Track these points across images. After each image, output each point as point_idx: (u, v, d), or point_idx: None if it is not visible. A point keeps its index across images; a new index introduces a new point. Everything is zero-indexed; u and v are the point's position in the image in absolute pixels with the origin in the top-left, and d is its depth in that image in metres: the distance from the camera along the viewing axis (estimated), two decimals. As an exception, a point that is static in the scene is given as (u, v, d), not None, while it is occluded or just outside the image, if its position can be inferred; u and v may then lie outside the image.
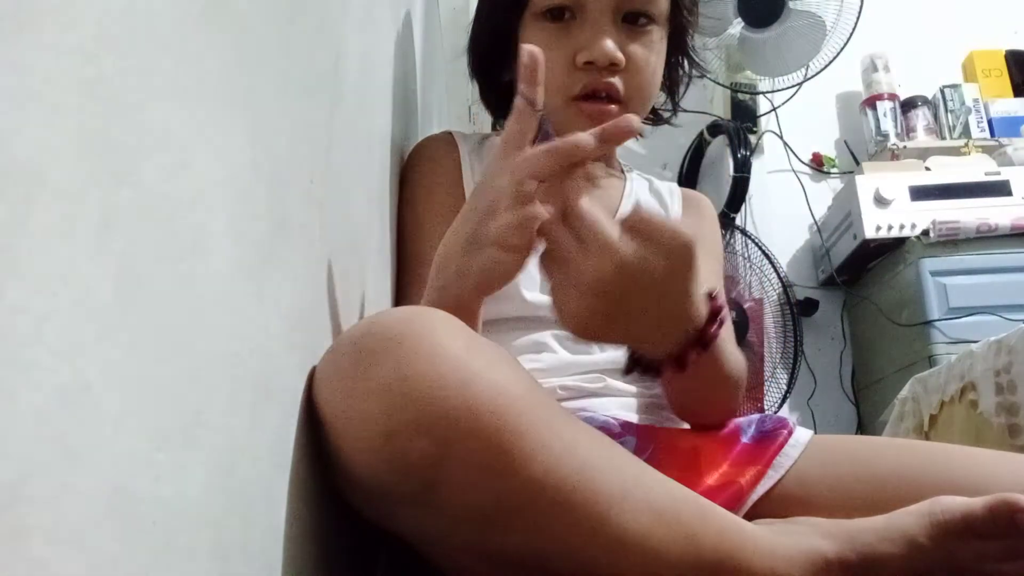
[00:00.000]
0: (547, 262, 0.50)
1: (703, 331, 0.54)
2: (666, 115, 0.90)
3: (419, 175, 0.82)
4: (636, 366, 0.57)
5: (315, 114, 0.48)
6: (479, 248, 0.50)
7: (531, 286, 0.75)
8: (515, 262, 0.50)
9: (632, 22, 0.73)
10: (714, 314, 0.55)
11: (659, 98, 0.84)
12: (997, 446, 1.03)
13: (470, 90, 1.93)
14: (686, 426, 0.77)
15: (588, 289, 0.48)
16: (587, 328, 0.51)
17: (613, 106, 0.74)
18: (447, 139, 0.84)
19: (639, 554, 0.44)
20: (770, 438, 0.66)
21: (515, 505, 0.42)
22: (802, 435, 0.67)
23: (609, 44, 0.70)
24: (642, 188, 0.89)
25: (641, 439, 0.67)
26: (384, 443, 0.40)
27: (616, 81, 0.72)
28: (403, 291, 0.76)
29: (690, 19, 0.81)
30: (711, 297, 0.55)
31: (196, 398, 0.29)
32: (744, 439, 0.67)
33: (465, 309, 0.54)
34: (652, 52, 0.75)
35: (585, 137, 0.47)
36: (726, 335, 0.62)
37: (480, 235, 0.50)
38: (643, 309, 0.50)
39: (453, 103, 1.80)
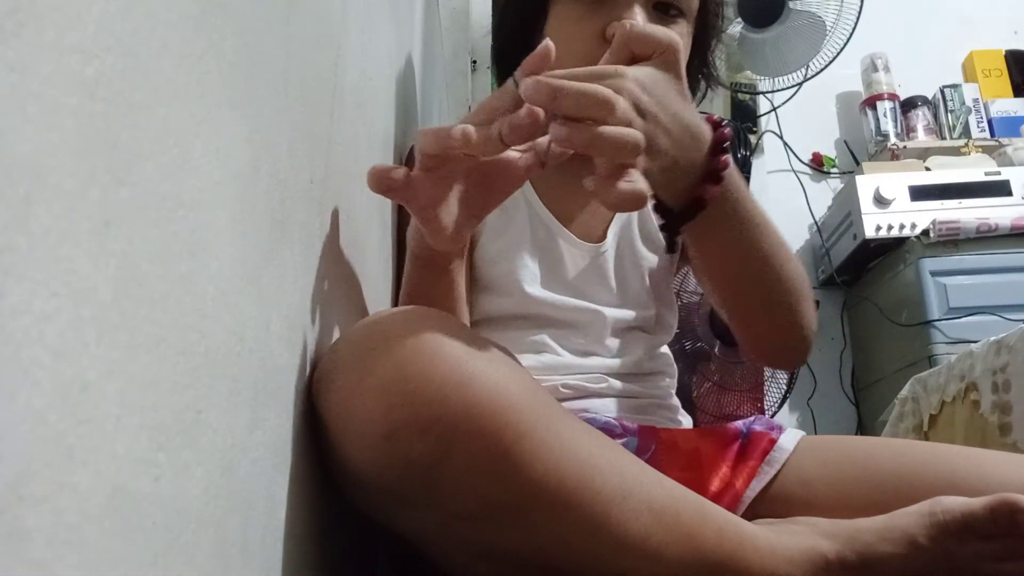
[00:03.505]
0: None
1: (711, 160, 0.55)
2: None
3: None
4: (667, 218, 0.58)
5: (315, 114, 0.48)
6: None
7: (531, 281, 0.75)
8: (431, 229, 0.52)
9: (663, 11, 0.73)
10: (719, 142, 0.55)
11: None
12: (998, 446, 1.03)
13: (470, 90, 1.94)
14: (688, 427, 0.77)
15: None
16: None
17: None
18: None
19: (639, 554, 0.44)
20: (760, 437, 0.67)
21: (515, 505, 0.42)
22: (792, 435, 0.67)
23: (641, 20, 0.70)
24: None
25: (642, 440, 0.67)
26: (384, 443, 0.40)
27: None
28: (404, 290, 0.76)
29: (715, 23, 0.81)
30: (713, 122, 0.56)
31: (196, 398, 0.29)
32: (741, 440, 0.68)
33: (431, 266, 0.57)
34: None
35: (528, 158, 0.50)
36: (746, 194, 0.60)
37: None
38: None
39: (453, 103, 1.80)
